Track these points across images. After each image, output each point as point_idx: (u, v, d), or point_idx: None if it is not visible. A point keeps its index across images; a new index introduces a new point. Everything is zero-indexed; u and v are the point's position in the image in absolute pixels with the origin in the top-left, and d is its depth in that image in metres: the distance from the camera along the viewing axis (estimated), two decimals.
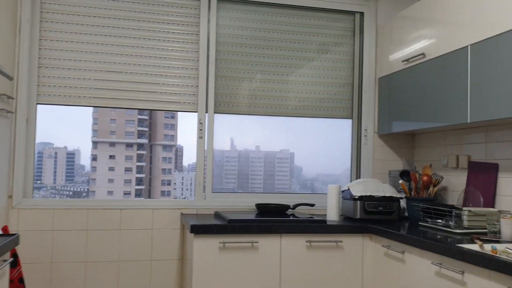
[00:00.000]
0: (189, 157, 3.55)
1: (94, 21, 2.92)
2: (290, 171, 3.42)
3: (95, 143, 4.82)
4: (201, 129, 3.07)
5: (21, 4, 2.78)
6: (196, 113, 3.07)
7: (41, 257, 2.76)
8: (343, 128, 3.36)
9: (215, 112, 3.09)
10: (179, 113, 3.25)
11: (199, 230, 2.47)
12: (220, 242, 2.49)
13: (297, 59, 3.24)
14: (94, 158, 5.10)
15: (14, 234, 2.02)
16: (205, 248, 2.48)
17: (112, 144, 5.08)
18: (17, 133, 2.76)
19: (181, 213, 2.98)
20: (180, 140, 3.63)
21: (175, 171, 4.92)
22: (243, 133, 3.25)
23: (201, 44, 3.06)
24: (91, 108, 3.27)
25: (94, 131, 4.99)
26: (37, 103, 2.84)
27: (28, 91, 2.80)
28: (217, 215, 2.92)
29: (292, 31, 3.24)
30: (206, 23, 3.08)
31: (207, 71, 3.07)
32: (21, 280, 2.39)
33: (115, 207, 2.89)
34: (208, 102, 3.07)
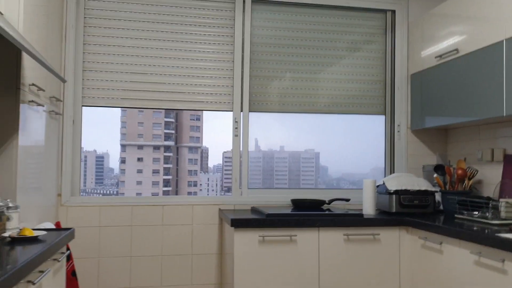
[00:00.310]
0: (214, 158, 3.65)
1: (134, 26, 3.05)
2: (315, 170, 3.48)
3: (123, 146, 4.98)
4: (236, 128, 3.16)
5: (67, 11, 2.92)
6: (232, 112, 3.17)
7: (89, 252, 2.90)
8: (372, 125, 3.40)
9: (250, 111, 3.19)
10: (204, 115, 3.36)
11: (239, 224, 2.56)
12: (259, 236, 2.58)
13: (330, 57, 3.31)
14: (123, 160, 5.24)
15: (70, 229, 2.15)
16: (245, 241, 2.57)
17: (140, 147, 5.22)
18: (64, 134, 2.91)
19: (219, 209, 3.08)
20: (206, 142, 3.73)
21: (200, 172, 5.03)
22: (267, 134, 3.30)
23: (236, 45, 3.16)
24: (120, 111, 3.39)
25: (122, 134, 5.13)
26: (82, 105, 2.99)
27: (73, 93, 2.94)
28: (254, 210, 3.01)
29: (324, 30, 3.31)
30: (240, 24, 3.17)
31: (242, 71, 3.17)
32: (73, 273, 2.52)
33: (158, 203, 3.01)
34: (243, 101, 3.17)
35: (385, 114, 3.39)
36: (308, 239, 2.63)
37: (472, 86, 2.63)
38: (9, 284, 1.29)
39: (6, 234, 1.83)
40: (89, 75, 2.99)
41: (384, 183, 2.98)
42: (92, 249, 2.91)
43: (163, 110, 4.25)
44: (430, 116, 3.08)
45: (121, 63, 3.03)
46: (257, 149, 3.34)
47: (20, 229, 1.90)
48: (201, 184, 5.06)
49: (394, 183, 2.92)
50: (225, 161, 3.62)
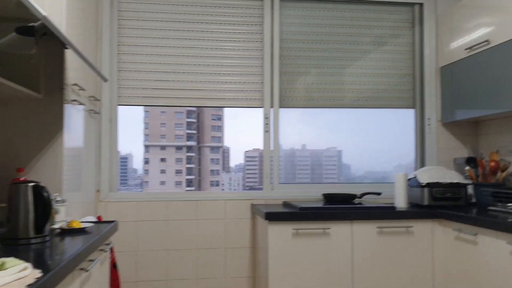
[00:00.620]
0: (236, 158, 3.70)
1: (165, 26, 3.13)
2: (337, 168, 3.50)
3: (147, 147, 5.10)
4: (267, 124, 3.22)
5: (101, 13, 3.02)
6: (262, 109, 3.22)
7: (127, 245, 3.00)
8: (400, 119, 3.41)
9: (280, 107, 3.23)
10: (225, 114, 3.42)
11: (273, 217, 2.61)
12: (293, 229, 2.63)
13: (357, 52, 3.33)
14: (146, 161, 5.36)
15: (113, 221, 2.24)
16: (279, 234, 2.62)
17: (163, 147, 5.31)
18: (102, 133, 3.01)
19: (251, 204, 3.14)
20: (227, 141, 3.80)
21: (222, 172, 5.11)
22: (288, 131, 3.33)
23: (265, 42, 3.21)
24: (143, 112, 3.48)
25: (145, 135, 5.26)
26: (118, 105, 3.08)
27: (110, 93, 3.04)
28: (286, 204, 3.06)
29: (351, 24, 3.33)
30: (269, 21, 3.22)
31: (272, 67, 3.22)
32: (115, 266, 2.62)
33: (192, 198, 3.09)
34: (273, 97, 3.22)
35: (414, 108, 3.39)
36: (341, 232, 2.67)
37: (504, 77, 2.62)
38: (67, 271, 1.37)
39: (56, 226, 1.93)
40: (124, 75, 3.09)
41: (415, 176, 2.99)
42: (130, 242, 3.00)
43: (185, 111, 4.34)
44: (460, 109, 3.07)
45: (154, 63, 3.11)
46: (279, 147, 3.38)
47: (68, 222, 1.99)
48: (223, 184, 5.15)
49: (426, 176, 2.93)
50: (247, 160, 3.68)
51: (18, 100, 2.17)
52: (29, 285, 1.07)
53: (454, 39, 3.13)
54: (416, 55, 3.39)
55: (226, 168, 5.20)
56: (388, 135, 3.41)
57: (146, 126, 5.05)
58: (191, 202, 3.09)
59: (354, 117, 3.38)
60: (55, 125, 2.23)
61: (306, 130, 3.36)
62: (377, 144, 3.40)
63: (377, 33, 3.36)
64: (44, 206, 1.66)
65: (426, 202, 2.89)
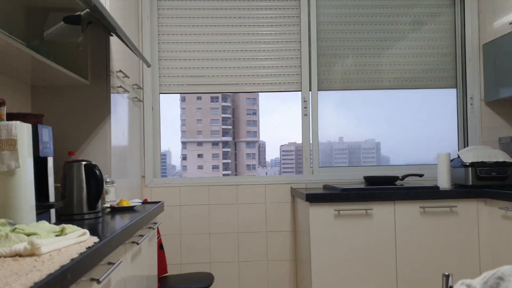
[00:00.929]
0: (271, 152, 3.73)
1: (204, 13, 3.19)
2: (376, 161, 3.45)
3: (184, 143, 5.23)
4: (305, 107, 3.23)
5: (142, 3, 3.11)
6: (300, 92, 3.23)
7: (171, 229, 3.09)
8: (442, 100, 3.33)
9: (318, 90, 3.23)
10: (260, 110, 3.44)
11: (315, 198, 2.63)
12: (335, 210, 2.63)
13: (397, 32, 3.28)
14: (184, 157, 5.49)
15: (160, 202, 2.32)
16: (320, 216, 2.63)
17: (200, 143, 5.40)
18: (145, 120, 3.11)
19: (291, 188, 3.16)
20: (262, 136, 3.83)
21: (258, 167, 5.16)
22: (325, 124, 3.30)
23: (302, 25, 3.21)
24: (179, 110, 3.55)
25: (182, 132, 5.38)
26: (160, 93, 3.17)
27: (152, 81, 3.13)
28: (326, 187, 3.06)
29: (390, 5, 3.28)
30: (306, 5, 3.22)
31: (309, 51, 3.22)
32: (161, 246, 2.71)
33: (232, 183, 3.15)
34: (311, 80, 3.22)
35: (456, 87, 3.32)
36: (384, 213, 2.65)
37: None
38: (120, 241, 1.44)
39: (106, 205, 2.01)
40: (165, 64, 3.17)
41: (459, 157, 2.93)
42: (174, 226, 3.09)
43: (220, 106, 4.43)
44: (504, 87, 2.98)
45: (194, 51, 3.18)
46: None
47: (118, 201, 2.08)
48: None
49: (469, 156, 2.87)
50: (283, 154, 3.69)
51: (68, 87, 2.27)
52: (88, 247, 1.14)
53: (497, 15, 3.04)
54: (457, 33, 3.31)
55: (262, 162, 5.26)
56: (429, 118, 3.34)
57: (183, 123, 5.18)
58: (231, 187, 3.15)
59: (393, 100, 3.33)
60: (103, 111, 2.32)
61: (343, 122, 3.34)
62: (417, 130, 3.33)
63: (417, 12, 3.30)
64: (96, 183, 1.74)
65: (470, 182, 2.83)
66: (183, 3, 3.18)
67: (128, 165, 2.73)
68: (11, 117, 1.47)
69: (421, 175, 3.10)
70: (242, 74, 3.21)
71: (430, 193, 2.66)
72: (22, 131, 1.38)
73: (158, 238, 2.71)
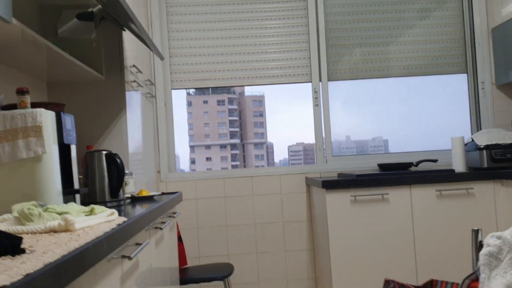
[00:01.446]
0: (280, 153, 3.75)
1: (212, 10, 3.21)
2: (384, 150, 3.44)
3: (192, 148, 5.29)
4: (316, 97, 3.24)
5: (150, 2, 3.14)
6: (310, 84, 3.25)
7: (189, 222, 3.11)
8: (452, 86, 3.33)
9: (328, 80, 3.25)
10: (266, 111, 3.46)
11: (330, 185, 2.64)
12: (351, 196, 2.64)
13: (405, 20, 3.29)
14: (192, 161, 5.55)
15: (177, 192, 2.34)
16: (337, 202, 2.64)
17: (208, 146, 5.44)
18: (158, 116, 3.14)
19: (306, 177, 3.18)
20: (270, 138, 3.86)
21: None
22: (333, 123, 3.29)
23: (310, 17, 3.23)
24: (186, 114, 3.58)
25: (190, 136, 5.45)
26: (172, 89, 3.20)
27: (163, 77, 3.16)
28: (341, 175, 3.07)
29: None
30: None
31: (318, 42, 3.23)
32: (180, 239, 2.73)
33: (247, 175, 3.16)
34: (321, 71, 3.23)
35: (467, 72, 3.32)
36: (400, 197, 2.66)
37: None
38: (145, 224, 1.46)
39: (127, 195, 2.04)
40: (175, 60, 3.20)
41: (472, 140, 2.93)
42: (191, 219, 3.11)
43: (227, 110, 4.48)
44: None
45: (203, 46, 3.21)
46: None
47: (137, 192, 2.10)
48: None
49: (484, 138, 2.87)
50: (291, 155, 3.71)
51: (83, 83, 2.31)
52: (118, 224, 1.16)
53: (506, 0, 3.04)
54: (465, 18, 3.31)
55: (271, 163, 5.31)
56: (440, 104, 3.34)
57: (190, 127, 5.24)
58: (246, 179, 3.16)
59: (403, 88, 3.33)
60: (118, 106, 2.35)
61: (351, 120, 3.33)
62: (429, 117, 3.32)
63: None
64: (117, 171, 1.77)
65: (485, 165, 2.82)
66: (193, 0, 3.22)
67: (144, 160, 2.76)
68: (33, 106, 1.50)
69: (435, 161, 3.10)
70: (252, 67, 3.23)
71: (446, 176, 2.67)
72: (47, 118, 1.41)
73: (177, 229, 2.74)
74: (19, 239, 0.83)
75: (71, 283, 0.79)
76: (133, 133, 2.46)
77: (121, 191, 1.81)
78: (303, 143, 3.36)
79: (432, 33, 3.30)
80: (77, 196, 1.57)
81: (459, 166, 2.87)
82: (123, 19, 2.09)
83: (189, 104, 3.90)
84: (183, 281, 2.36)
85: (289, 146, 3.70)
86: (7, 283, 0.59)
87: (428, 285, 1.69)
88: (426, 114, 3.35)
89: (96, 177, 1.75)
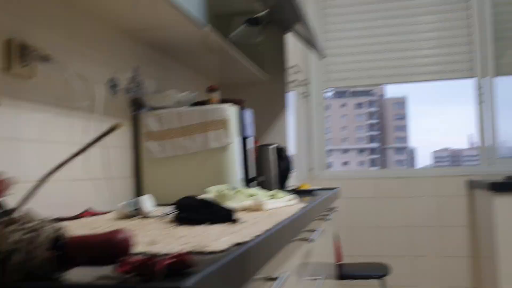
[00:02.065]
0: (422, 159, 3.52)
1: (365, 9, 3.20)
2: None
3: (329, 151, 5.28)
4: (481, 94, 3.02)
5: (307, 3, 3.25)
6: (475, 79, 3.04)
7: (341, 221, 3.14)
8: None
9: (497, 75, 3.01)
10: (408, 113, 3.28)
11: (500, 188, 2.44)
12: None
13: None
14: (329, 165, 5.55)
15: (336, 188, 2.39)
16: (507, 207, 2.43)
17: (345, 150, 5.39)
18: (313, 115, 3.23)
19: (467, 180, 2.98)
20: (412, 142, 3.63)
21: None
22: (499, 122, 3.00)
23: (474, 7, 3.02)
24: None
25: (327, 140, 5.45)
26: (325, 88, 3.27)
27: (317, 77, 3.25)
28: (510, 178, 2.82)
29: None
30: None
31: (485, 33, 3.01)
32: (335, 235, 2.77)
33: (401, 176, 3.08)
34: (487, 65, 3.00)
35: None
36: None
37: None
38: (319, 211, 1.53)
39: (290, 188, 2.15)
40: (328, 60, 3.25)
41: None
42: (344, 218, 3.13)
43: (367, 112, 4.36)
44: None
45: (357, 45, 3.21)
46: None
47: (298, 185, 2.21)
48: None
49: None
50: (436, 161, 3.47)
51: (250, 83, 2.49)
52: (302, 207, 1.25)
53: None
54: None
55: None
56: None
57: (328, 130, 5.27)
58: (400, 180, 3.08)
59: None
60: (280, 104, 2.49)
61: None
62: None
63: None
64: (285, 164, 1.88)
65: None
66: (348, 1, 3.24)
67: (297, 158, 2.87)
68: (220, 102, 1.68)
69: None
70: (408, 64, 3.14)
71: None
72: (232, 112, 1.57)
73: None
74: (232, 211, 0.95)
75: (278, 251, 0.88)
76: (290, 131, 2.58)
77: (288, 180, 1.92)
78: (449, 149, 3.17)
79: None
80: (253, 184, 1.71)
81: None
82: (289, 21, 2.22)
83: (327, 107, 3.94)
84: (339, 276, 2.40)
85: (434, 152, 3.51)
86: (247, 239, 0.70)
87: None
88: None
89: (266, 168, 1.89)
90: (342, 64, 3.23)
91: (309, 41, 2.32)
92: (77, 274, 0.51)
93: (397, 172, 3.12)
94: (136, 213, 1.11)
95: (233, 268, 0.59)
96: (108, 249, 0.51)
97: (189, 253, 0.57)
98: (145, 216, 1.11)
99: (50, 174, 0.40)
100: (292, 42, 2.63)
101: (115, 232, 0.52)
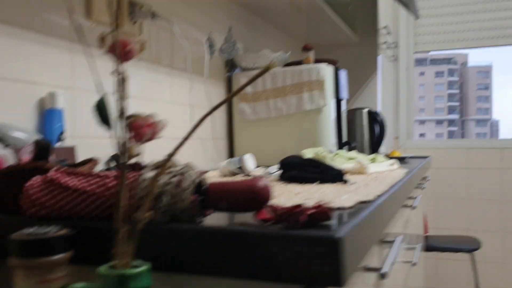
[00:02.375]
0: (506, 132, 3.22)
1: None
2: None
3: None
4: None
5: None
6: None
7: (427, 191, 3.01)
8: None
9: None
10: (494, 83, 2.97)
11: None
12: None
13: None
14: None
15: (428, 156, 2.28)
16: None
17: (422, 121, 5.08)
18: (400, 80, 3.08)
19: None
20: (496, 114, 3.32)
21: None
22: None
23: None
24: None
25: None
26: (414, 52, 3.09)
27: (406, 41, 3.08)
28: None
29: None
30: None
31: None
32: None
33: (496, 146, 2.88)
34: None
35: None
36: None
37: None
38: (416, 179, 1.46)
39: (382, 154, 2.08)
40: (420, 22, 3.05)
41: None
42: (429, 189, 3.01)
43: (446, 82, 4.05)
44: None
45: (450, 6, 2.98)
46: None
47: (389, 152, 2.13)
48: None
49: None
50: None
51: (338, 44, 2.41)
52: (406, 172, 1.19)
53: None
54: None
55: None
56: None
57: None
58: (495, 150, 2.88)
59: None
60: (370, 66, 2.39)
61: None
62: None
63: None
64: (379, 128, 1.81)
65: None
66: None
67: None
68: (315, 62, 1.62)
69: None
70: (504, 26, 2.87)
71: None
72: (328, 73, 1.52)
73: None
74: (342, 171, 0.92)
75: (395, 214, 0.84)
76: (379, 96, 2.48)
77: (382, 145, 1.86)
78: None
79: None
80: (345, 149, 1.67)
81: None
82: None
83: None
84: (427, 248, 2.32)
85: None
86: (371, 198, 0.67)
87: None
88: None
89: (357, 132, 1.83)
90: (432, 26, 3.03)
91: (405, 0, 2.19)
92: (218, 218, 0.51)
93: (491, 142, 2.91)
94: (239, 171, 1.11)
95: (368, 224, 0.56)
96: (250, 196, 0.50)
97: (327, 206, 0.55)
98: (248, 174, 1.12)
99: (194, 129, 0.39)
100: (383, 2, 2.50)
101: (256, 180, 0.51)
